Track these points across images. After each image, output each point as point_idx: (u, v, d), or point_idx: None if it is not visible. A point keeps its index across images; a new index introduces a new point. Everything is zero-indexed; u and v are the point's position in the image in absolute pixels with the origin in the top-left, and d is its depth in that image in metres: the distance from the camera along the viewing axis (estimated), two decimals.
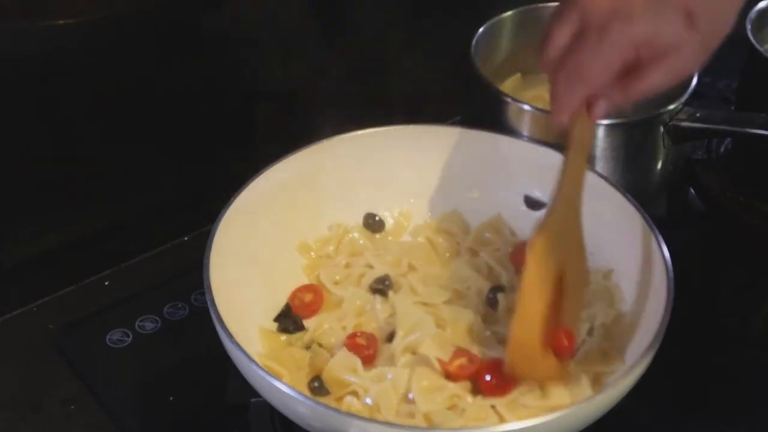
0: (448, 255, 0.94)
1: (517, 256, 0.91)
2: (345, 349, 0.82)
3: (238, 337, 0.75)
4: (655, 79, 0.73)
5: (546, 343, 0.77)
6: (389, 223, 0.96)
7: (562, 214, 0.80)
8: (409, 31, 1.13)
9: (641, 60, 0.71)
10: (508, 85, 1.08)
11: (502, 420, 0.77)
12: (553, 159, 0.92)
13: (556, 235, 0.78)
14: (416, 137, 0.95)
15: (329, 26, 1.07)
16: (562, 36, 0.74)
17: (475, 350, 0.82)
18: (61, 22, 0.89)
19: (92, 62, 0.92)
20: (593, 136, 0.79)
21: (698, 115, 0.99)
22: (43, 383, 0.89)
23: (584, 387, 0.79)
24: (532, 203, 0.95)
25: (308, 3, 1.04)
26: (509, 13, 1.07)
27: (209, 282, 0.78)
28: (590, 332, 0.84)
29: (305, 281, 0.90)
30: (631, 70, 0.73)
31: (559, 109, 0.76)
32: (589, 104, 0.76)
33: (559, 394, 0.78)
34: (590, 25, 0.71)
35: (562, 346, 0.78)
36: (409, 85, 1.13)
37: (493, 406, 0.78)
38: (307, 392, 0.79)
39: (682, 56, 0.71)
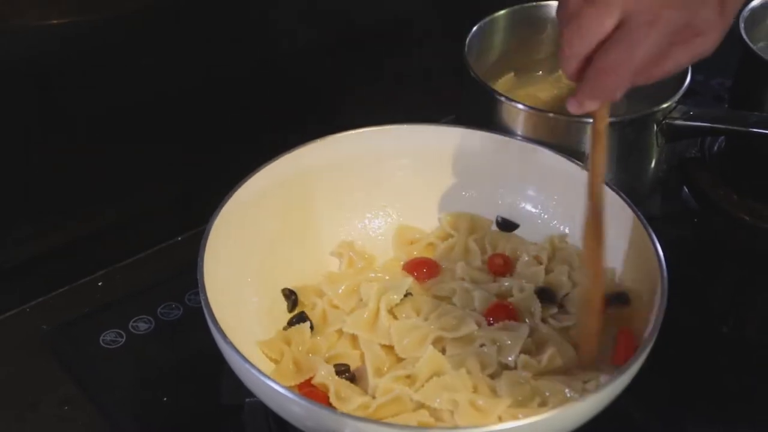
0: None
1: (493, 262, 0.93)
2: None
3: (233, 337, 0.74)
4: (680, 61, 0.73)
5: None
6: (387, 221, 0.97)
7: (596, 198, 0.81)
8: (404, 30, 1.13)
9: (672, 43, 0.72)
10: (501, 84, 1.09)
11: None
12: (547, 158, 0.92)
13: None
14: (411, 136, 0.95)
15: (322, 25, 1.07)
16: (601, 27, 0.70)
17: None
18: (55, 22, 0.89)
19: (82, 64, 0.92)
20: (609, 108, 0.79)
21: (692, 113, 1.00)
22: (38, 384, 0.89)
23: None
24: (506, 225, 0.95)
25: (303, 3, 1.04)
26: (502, 12, 1.07)
27: (203, 282, 0.78)
28: None
29: (300, 281, 0.90)
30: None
31: (594, 100, 0.75)
32: None
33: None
34: (638, 14, 0.69)
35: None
36: (403, 84, 1.13)
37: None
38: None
39: (708, 40, 0.72)
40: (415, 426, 0.76)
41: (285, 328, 0.86)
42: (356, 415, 0.76)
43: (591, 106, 0.75)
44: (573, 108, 0.75)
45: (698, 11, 0.69)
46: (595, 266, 0.81)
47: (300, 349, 0.84)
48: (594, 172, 0.80)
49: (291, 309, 0.87)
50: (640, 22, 0.69)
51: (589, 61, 0.72)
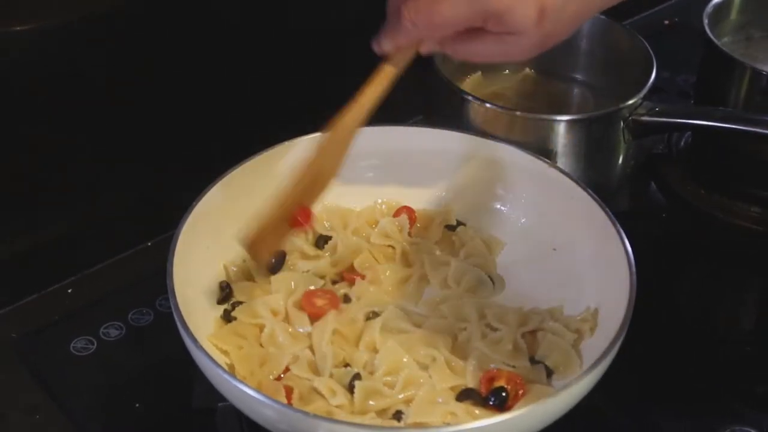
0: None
1: None
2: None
3: (203, 342, 0.74)
4: (485, 51, 0.77)
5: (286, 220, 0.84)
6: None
7: (350, 119, 0.83)
8: (370, 30, 1.13)
9: (483, 28, 0.74)
10: (468, 84, 1.09)
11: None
12: (514, 156, 0.93)
13: (338, 139, 0.84)
14: (378, 137, 0.95)
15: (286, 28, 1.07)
16: None
17: None
18: (25, 27, 0.89)
19: (46, 68, 0.91)
20: (408, 61, 0.82)
21: (657, 109, 1.00)
22: (7, 393, 0.88)
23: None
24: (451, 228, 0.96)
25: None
26: None
27: (173, 287, 0.78)
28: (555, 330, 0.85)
29: None
30: (469, 32, 0.76)
31: (392, 40, 0.79)
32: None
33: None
34: None
35: (297, 221, 0.84)
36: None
37: None
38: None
39: (518, 43, 0.75)
40: (388, 426, 0.76)
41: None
42: (329, 417, 0.76)
43: (386, 45, 0.80)
44: (375, 45, 0.81)
45: (515, 7, 0.71)
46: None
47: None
48: (353, 105, 0.82)
49: (221, 301, 0.86)
50: None
51: None
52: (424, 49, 0.81)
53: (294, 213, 0.84)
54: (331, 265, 0.90)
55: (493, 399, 0.78)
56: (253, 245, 0.81)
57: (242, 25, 1.03)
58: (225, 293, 0.86)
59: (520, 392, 0.79)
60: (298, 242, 0.91)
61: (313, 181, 0.84)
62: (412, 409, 0.77)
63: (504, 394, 0.79)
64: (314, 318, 0.85)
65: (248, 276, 0.89)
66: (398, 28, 0.77)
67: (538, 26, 0.72)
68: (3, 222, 0.95)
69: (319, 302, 0.86)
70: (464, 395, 0.79)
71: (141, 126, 0.99)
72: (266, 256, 0.85)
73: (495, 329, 0.85)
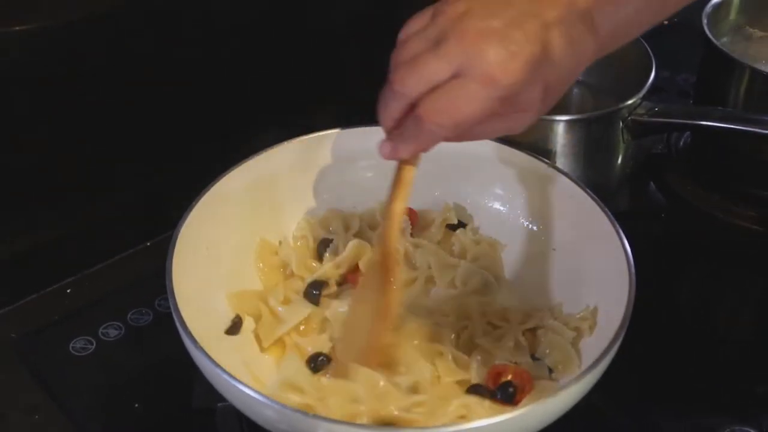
0: None
1: None
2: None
3: (203, 342, 0.74)
4: (490, 130, 0.75)
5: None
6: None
7: (391, 233, 0.80)
8: (369, 31, 1.13)
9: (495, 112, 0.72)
10: None
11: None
12: (514, 156, 0.93)
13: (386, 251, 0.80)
14: (378, 137, 0.94)
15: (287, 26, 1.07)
16: (440, 71, 0.70)
17: None
18: (25, 27, 0.89)
19: (44, 69, 0.91)
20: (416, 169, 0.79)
21: (657, 109, 1.00)
22: (7, 393, 0.88)
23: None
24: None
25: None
26: None
27: (172, 287, 0.78)
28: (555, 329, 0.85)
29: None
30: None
31: (412, 145, 0.74)
32: None
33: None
34: (477, 71, 0.68)
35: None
36: (370, 85, 1.13)
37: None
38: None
39: (523, 119, 0.74)
40: (388, 426, 0.76)
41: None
42: (330, 418, 0.76)
43: (405, 152, 0.75)
44: (384, 152, 0.75)
45: (527, 88, 0.70)
46: (382, 315, 0.80)
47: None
48: (389, 220, 0.79)
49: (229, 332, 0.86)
50: (476, 78, 0.68)
51: (411, 108, 0.71)
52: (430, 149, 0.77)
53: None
54: (334, 268, 0.90)
55: (500, 394, 0.79)
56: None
57: (242, 25, 1.03)
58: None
59: (527, 387, 0.80)
60: (301, 256, 0.92)
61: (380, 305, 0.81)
62: (426, 402, 0.77)
63: (511, 389, 0.79)
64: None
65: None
66: (419, 133, 0.72)
67: (543, 103, 0.72)
68: (3, 222, 0.95)
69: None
70: (473, 390, 0.80)
71: (141, 126, 0.99)
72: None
73: (497, 327, 0.85)
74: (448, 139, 0.73)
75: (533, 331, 0.86)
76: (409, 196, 0.79)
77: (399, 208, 0.79)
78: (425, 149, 0.75)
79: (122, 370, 0.90)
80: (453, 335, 0.84)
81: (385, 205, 0.80)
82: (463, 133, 0.72)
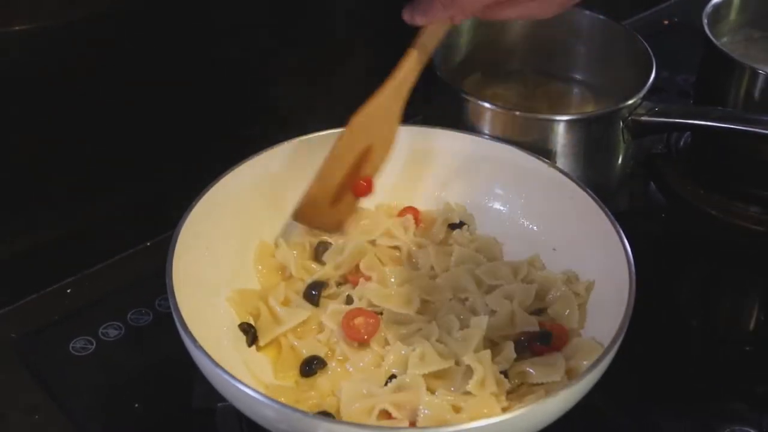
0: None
1: None
2: None
3: (203, 342, 0.74)
4: (512, 14, 0.82)
5: (343, 193, 0.90)
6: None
7: (387, 97, 0.87)
8: (369, 30, 1.13)
9: None
10: (468, 84, 1.09)
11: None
12: (514, 156, 0.93)
13: (376, 114, 0.88)
14: None
15: (289, 24, 1.07)
16: None
17: None
18: (25, 27, 0.89)
19: (44, 69, 0.91)
20: (441, 38, 0.86)
21: (657, 109, 1.00)
22: (7, 393, 0.88)
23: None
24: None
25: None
26: None
27: (172, 287, 0.78)
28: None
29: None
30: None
31: (424, 16, 0.82)
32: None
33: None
34: None
35: (361, 188, 0.90)
36: (370, 85, 1.13)
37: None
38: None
39: (544, 4, 0.80)
40: (388, 426, 0.76)
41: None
42: (329, 417, 0.76)
43: (419, 20, 0.83)
44: (406, 16, 0.83)
45: None
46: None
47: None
48: (399, 73, 0.86)
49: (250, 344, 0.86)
50: None
51: None
52: (456, 21, 0.84)
53: (357, 183, 0.89)
54: (334, 269, 0.90)
55: (540, 340, 0.83)
56: (300, 217, 0.90)
57: (242, 25, 1.03)
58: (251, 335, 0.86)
59: (564, 338, 0.83)
60: (299, 258, 0.92)
61: (369, 151, 0.88)
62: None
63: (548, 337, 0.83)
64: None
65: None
66: (430, 6, 0.80)
67: None
68: (3, 222, 0.95)
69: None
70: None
71: (141, 126, 0.99)
72: (319, 223, 0.91)
73: (494, 287, 0.87)
74: (475, 14, 0.81)
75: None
76: (421, 63, 0.86)
77: (411, 65, 0.86)
78: (443, 18, 0.82)
79: (122, 370, 0.90)
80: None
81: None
82: (481, 12, 0.80)
